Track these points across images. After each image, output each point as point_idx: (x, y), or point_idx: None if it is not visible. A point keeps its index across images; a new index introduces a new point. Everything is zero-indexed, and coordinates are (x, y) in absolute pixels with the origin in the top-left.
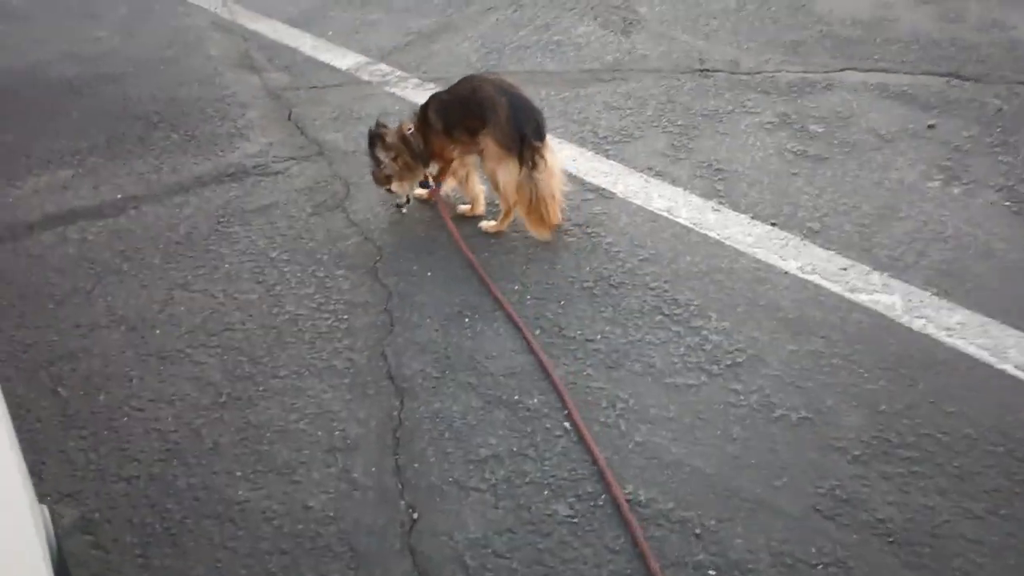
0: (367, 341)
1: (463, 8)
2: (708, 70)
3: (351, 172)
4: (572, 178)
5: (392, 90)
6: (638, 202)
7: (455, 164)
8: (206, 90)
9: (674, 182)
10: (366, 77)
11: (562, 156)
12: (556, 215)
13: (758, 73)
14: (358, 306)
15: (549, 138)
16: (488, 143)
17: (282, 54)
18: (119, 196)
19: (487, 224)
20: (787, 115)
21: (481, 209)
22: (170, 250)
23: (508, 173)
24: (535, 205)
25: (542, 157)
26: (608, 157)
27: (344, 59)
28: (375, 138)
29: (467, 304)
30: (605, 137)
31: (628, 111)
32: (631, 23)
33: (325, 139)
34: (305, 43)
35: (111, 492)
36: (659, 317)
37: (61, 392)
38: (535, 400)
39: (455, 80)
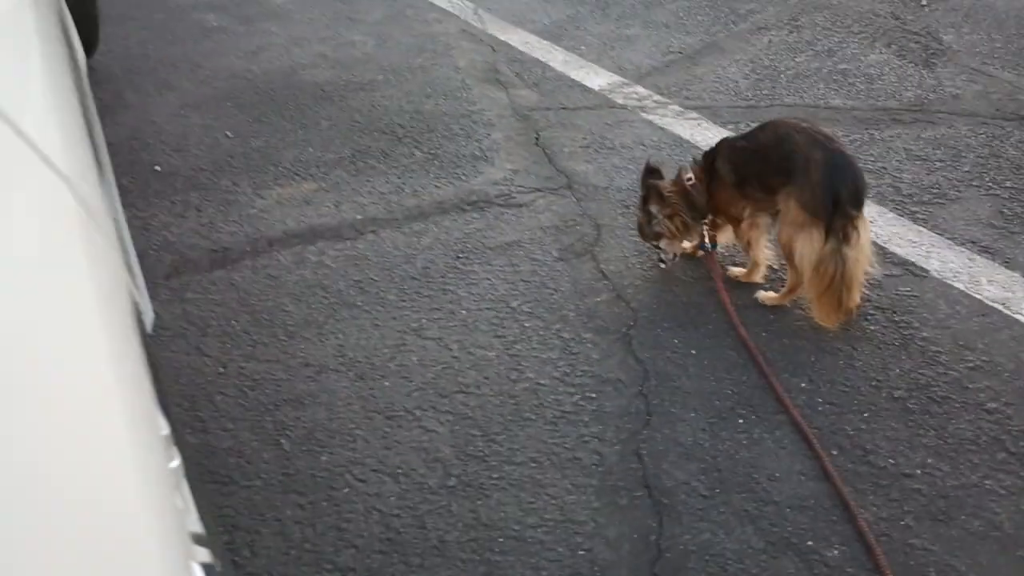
0: (619, 432)
1: (731, 26)
2: None
3: (602, 211)
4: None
5: (649, 117)
6: (960, 286)
7: (743, 225)
8: (452, 105)
9: (1008, 264)
10: (620, 100)
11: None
12: (856, 300)
13: None
14: (608, 383)
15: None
16: (790, 205)
17: (531, 69)
18: (359, 217)
19: (766, 295)
20: None
21: (759, 276)
22: (405, 286)
23: (810, 244)
24: (834, 286)
25: (855, 229)
26: (915, 221)
27: (597, 78)
28: (651, 191)
29: (741, 399)
30: (910, 195)
31: (938, 163)
32: (934, 53)
33: (574, 170)
34: (556, 58)
35: None
36: (1002, 455)
37: (284, 444)
38: (835, 551)
39: (720, 109)
